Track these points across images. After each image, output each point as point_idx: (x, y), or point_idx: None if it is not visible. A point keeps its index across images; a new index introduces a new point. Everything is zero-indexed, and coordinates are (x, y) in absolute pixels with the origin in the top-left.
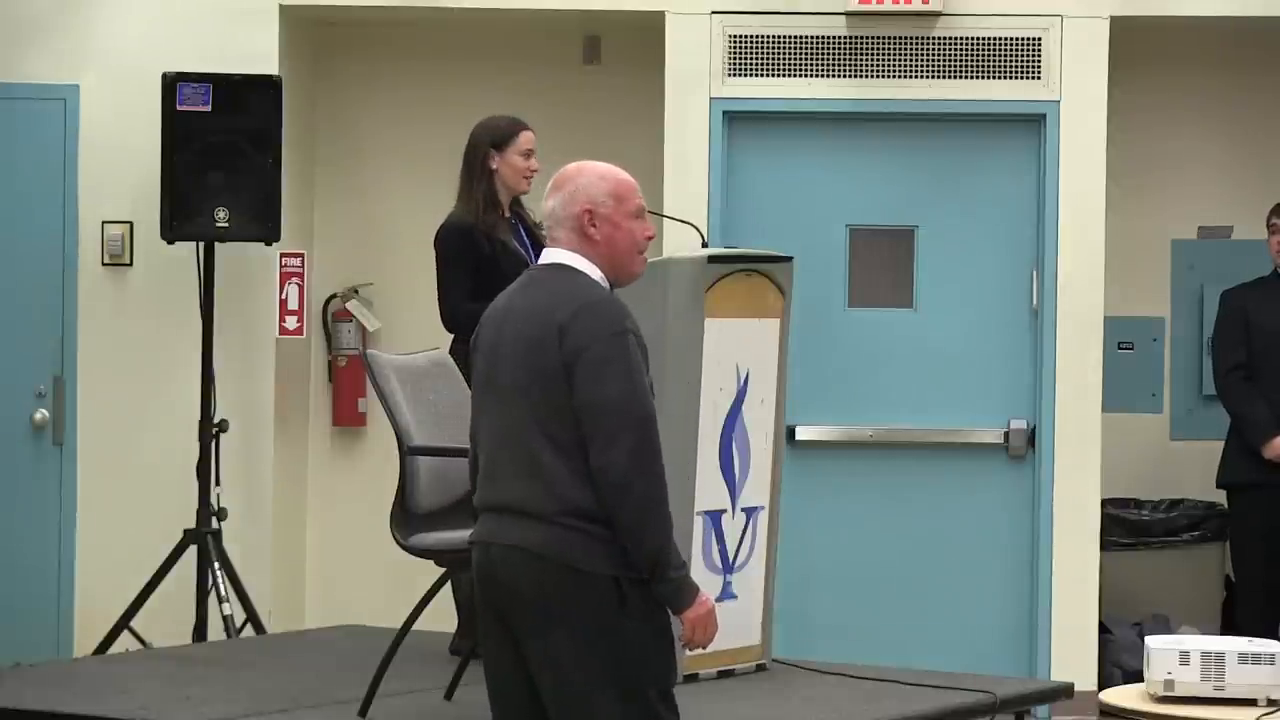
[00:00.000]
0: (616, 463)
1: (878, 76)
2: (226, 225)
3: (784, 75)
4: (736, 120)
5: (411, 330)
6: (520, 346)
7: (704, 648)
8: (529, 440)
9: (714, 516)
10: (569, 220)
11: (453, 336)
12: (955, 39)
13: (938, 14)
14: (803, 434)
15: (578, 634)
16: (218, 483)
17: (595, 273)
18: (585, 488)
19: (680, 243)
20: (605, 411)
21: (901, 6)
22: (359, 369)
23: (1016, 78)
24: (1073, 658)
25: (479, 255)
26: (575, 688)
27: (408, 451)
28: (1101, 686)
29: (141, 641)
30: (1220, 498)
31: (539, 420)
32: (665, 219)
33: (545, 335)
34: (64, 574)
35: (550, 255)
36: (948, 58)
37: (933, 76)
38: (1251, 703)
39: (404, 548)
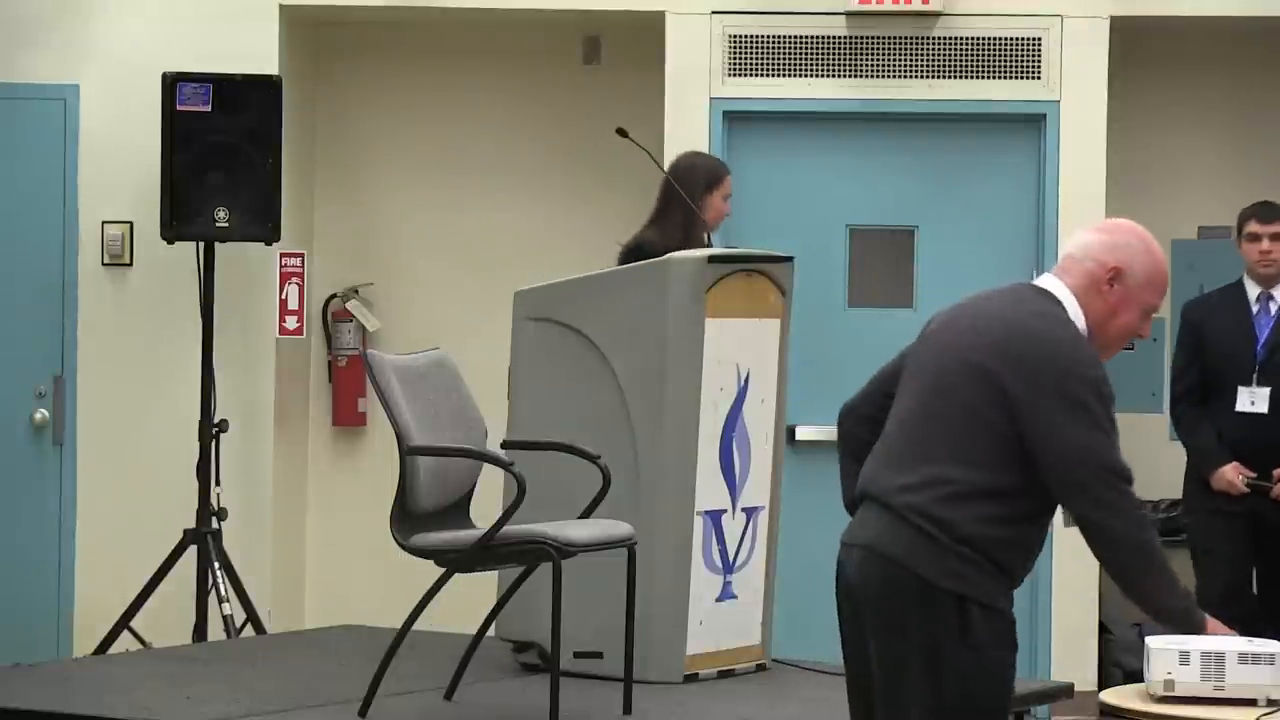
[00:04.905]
0: (1101, 520)
1: (878, 76)
2: (226, 225)
3: (784, 75)
4: (736, 120)
5: (411, 330)
6: (967, 340)
7: None
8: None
9: (714, 516)
10: (1093, 263)
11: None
12: (955, 39)
13: (938, 14)
14: (803, 434)
15: (912, 647)
16: (218, 483)
17: (1077, 315)
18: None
19: None
20: (1078, 459)
21: (901, 6)
22: (359, 369)
23: (1016, 78)
24: (1073, 658)
25: None
26: (899, 698)
27: (408, 451)
28: (1101, 686)
29: (141, 641)
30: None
31: (947, 422)
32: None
33: (1005, 344)
34: (64, 574)
35: (1042, 280)
36: (948, 58)
37: (933, 76)
38: (1251, 703)
39: (404, 548)
